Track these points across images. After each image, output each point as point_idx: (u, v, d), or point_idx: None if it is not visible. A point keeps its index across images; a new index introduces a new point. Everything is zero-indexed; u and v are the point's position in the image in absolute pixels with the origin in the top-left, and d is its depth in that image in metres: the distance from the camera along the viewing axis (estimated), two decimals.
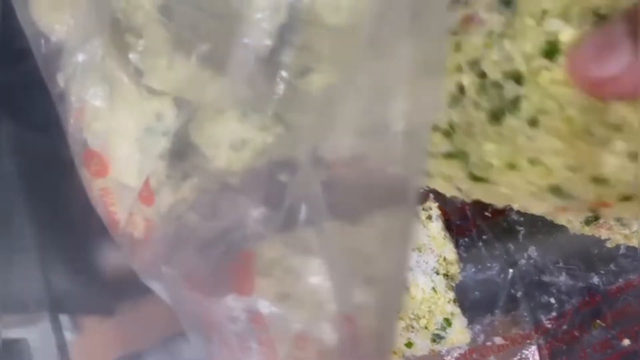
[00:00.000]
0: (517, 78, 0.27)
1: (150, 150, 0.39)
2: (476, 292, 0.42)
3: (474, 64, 0.29)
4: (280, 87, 0.42)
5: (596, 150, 0.26)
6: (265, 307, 0.42)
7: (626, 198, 0.27)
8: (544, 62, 0.26)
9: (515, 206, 0.39)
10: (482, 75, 0.29)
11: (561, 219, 0.40)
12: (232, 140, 0.39)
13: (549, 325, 0.41)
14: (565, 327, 0.41)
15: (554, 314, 0.41)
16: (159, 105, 0.38)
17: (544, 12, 0.27)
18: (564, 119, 0.26)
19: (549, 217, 0.40)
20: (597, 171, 0.27)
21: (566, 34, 0.26)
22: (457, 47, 0.30)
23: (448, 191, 0.35)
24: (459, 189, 0.34)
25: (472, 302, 0.42)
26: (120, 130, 0.39)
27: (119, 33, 0.38)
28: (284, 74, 0.43)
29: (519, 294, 0.41)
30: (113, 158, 0.41)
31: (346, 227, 0.43)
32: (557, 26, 0.26)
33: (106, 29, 0.40)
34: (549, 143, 0.27)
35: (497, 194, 0.31)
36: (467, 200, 0.36)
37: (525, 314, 0.41)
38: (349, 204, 0.45)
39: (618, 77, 0.21)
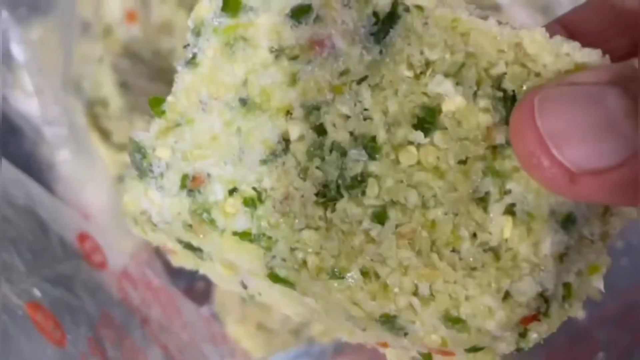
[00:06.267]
0: (371, 148, 0.20)
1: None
2: None
3: (312, 111, 0.20)
4: None
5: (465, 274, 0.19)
6: None
7: (476, 349, 0.20)
8: (414, 134, 0.19)
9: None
10: (321, 129, 0.20)
11: None
12: None
13: None
14: None
15: None
16: (126, 156, 0.48)
17: (429, 64, 0.20)
18: (425, 223, 0.19)
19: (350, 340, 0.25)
20: (456, 307, 0.19)
21: (453, 103, 0.19)
22: (293, 80, 0.20)
23: (226, 284, 0.24)
24: (244, 286, 0.24)
25: None
26: (98, 181, 0.50)
27: (89, 106, 0.50)
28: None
29: None
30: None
31: None
32: (444, 88, 0.19)
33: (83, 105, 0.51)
34: (395, 252, 0.19)
35: (301, 306, 0.22)
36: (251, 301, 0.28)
37: None
38: None
39: (609, 170, 0.16)
